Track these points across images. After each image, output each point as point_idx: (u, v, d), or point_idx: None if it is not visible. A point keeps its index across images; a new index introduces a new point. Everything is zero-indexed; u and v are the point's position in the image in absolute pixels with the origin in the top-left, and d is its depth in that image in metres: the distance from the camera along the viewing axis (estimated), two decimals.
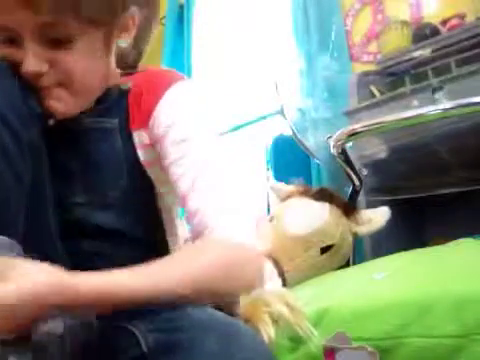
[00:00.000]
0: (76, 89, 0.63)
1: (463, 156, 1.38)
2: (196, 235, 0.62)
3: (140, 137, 0.67)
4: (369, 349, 0.60)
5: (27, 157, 0.58)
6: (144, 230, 0.69)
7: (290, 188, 1.36)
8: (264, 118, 2.44)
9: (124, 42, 0.68)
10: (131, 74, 0.74)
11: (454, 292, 0.63)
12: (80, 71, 0.62)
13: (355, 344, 0.61)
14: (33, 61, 0.59)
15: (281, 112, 1.79)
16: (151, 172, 0.68)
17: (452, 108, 1.11)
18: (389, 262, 0.98)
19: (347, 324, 0.64)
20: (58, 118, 0.65)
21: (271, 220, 1.30)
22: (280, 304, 0.66)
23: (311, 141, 1.74)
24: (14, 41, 0.60)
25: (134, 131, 0.68)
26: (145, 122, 0.67)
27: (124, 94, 0.69)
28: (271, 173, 2.12)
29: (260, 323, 0.63)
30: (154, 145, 0.67)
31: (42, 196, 0.61)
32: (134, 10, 0.66)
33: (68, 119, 0.66)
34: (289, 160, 1.93)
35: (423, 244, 1.16)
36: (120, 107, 0.68)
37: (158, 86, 0.68)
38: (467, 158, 1.38)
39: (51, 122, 0.65)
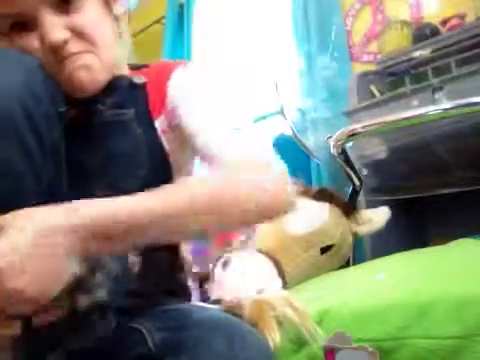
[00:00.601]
0: (98, 48, 0.64)
1: (463, 156, 1.38)
2: (206, 153, 0.65)
3: (162, 124, 0.69)
4: (369, 349, 0.60)
5: (49, 158, 0.57)
6: None
7: None
8: (264, 118, 2.44)
9: (117, 10, 0.70)
10: (139, 69, 0.75)
11: (454, 293, 0.63)
12: (95, 28, 0.64)
13: (355, 344, 0.61)
14: (56, 30, 0.60)
15: (281, 112, 1.78)
16: (173, 160, 0.70)
17: (452, 108, 1.11)
18: (389, 262, 0.98)
19: (348, 325, 0.64)
20: (85, 93, 0.65)
21: None
22: (286, 307, 0.66)
23: (311, 141, 1.74)
24: (23, 27, 0.61)
25: (156, 119, 0.69)
26: (162, 105, 0.70)
27: (138, 87, 0.71)
28: None
29: (266, 327, 0.63)
30: (171, 118, 0.69)
31: (59, 195, 0.60)
32: None
33: (85, 112, 0.66)
34: (289, 160, 1.93)
35: (423, 244, 1.16)
36: (136, 98, 0.70)
37: (167, 70, 0.72)
38: (467, 158, 1.38)
39: (71, 113, 0.64)
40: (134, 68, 0.76)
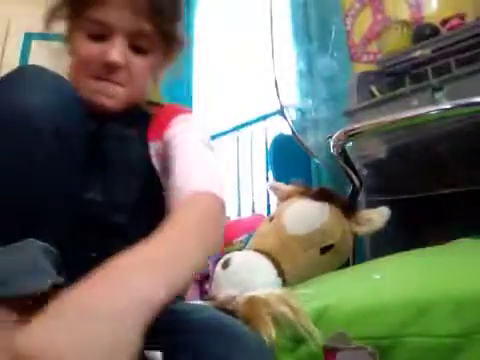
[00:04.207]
0: (132, 90, 0.75)
1: (463, 156, 1.38)
2: (177, 188, 0.66)
3: (154, 148, 0.76)
4: (369, 349, 0.60)
5: (76, 174, 0.62)
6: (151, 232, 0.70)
7: (290, 188, 1.36)
8: (264, 118, 2.44)
9: (158, 74, 0.83)
10: (154, 106, 0.85)
11: (454, 292, 0.63)
12: (143, 77, 0.77)
13: (355, 344, 0.61)
14: (119, 53, 0.71)
15: (281, 112, 1.79)
16: (163, 180, 0.75)
17: (452, 108, 1.11)
18: (389, 262, 0.98)
19: (346, 323, 0.64)
20: (102, 112, 0.73)
21: (271, 220, 1.30)
22: (281, 305, 0.66)
23: (311, 141, 1.74)
24: (102, 38, 0.72)
25: (150, 142, 0.76)
26: (160, 134, 0.77)
27: (146, 116, 0.81)
28: (271, 173, 2.12)
29: (261, 324, 0.63)
30: (164, 150, 0.76)
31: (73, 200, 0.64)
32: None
33: (100, 127, 0.73)
34: (289, 160, 1.93)
35: (423, 244, 1.16)
36: (141, 123, 0.79)
37: (176, 110, 0.82)
38: (467, 158, 1.38)
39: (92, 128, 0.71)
40: (150, 104, 0.86)
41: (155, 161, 0.75)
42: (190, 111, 0.84)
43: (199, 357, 0.47)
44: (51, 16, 0.77)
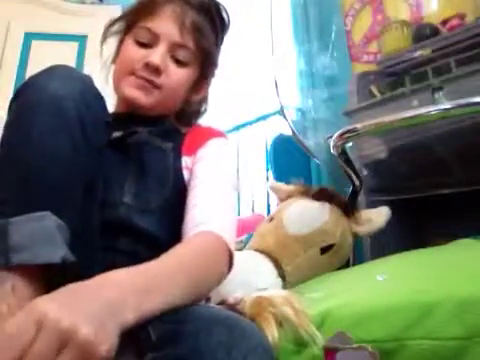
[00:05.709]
0: (166, 95, 0.84)
1: (463, 156, 1.38)
2: (193, 225, 0.71)
3: (186, 161, 0.83)
4: (369, 349, 0.60)
5: (93, 156, 0.66)
6: (178, 239, 0.73)
7: (290, 188, 1.36)
8: (264, 118, 2.44)
9: (195, 95, 0.93)
10: (187, 124, 0.94)
11: (457, 294, 0.63)
12: (177, 85, 0.85)
13: (355, 345, 0.61)
14: (161, 58, 0.82)
15: (281, 112, 1.79)
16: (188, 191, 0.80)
17: (452, 108, 1.11)
18: (390, 263, 0.98)
19: (350, 326, 0.63)
20: (136, 106, 0.83)
21: (271, 220, 1.30)
22: (285, 306, 0.66)
23: (311, 141, 1.74)
24: (148, 46, 0.83)
25: (183, 156, 0.83)
26: (194, 151, 0.84)
27: (180, 133, 0.89)
28: (271, 173, 2.12)
29: (265, 323, 0.63)
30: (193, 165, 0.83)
31: (92, 194, 0.67)
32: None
33: (130, 135, 0.79)
34: (289, 160, 1.93)
35: (423, 244, 1.16)
36: (176, 138, 0.86)
37: (213, 133, 0.89)
38: (467, 158, 1.38)
39: (115, 135, 0.78)
40: (183, 123, 0.94)
41: (185, 173, 0.81)
42: (224, 135, 0.91)
43: (199, 342, 0.48)
44: (109, 29, 0.90)
